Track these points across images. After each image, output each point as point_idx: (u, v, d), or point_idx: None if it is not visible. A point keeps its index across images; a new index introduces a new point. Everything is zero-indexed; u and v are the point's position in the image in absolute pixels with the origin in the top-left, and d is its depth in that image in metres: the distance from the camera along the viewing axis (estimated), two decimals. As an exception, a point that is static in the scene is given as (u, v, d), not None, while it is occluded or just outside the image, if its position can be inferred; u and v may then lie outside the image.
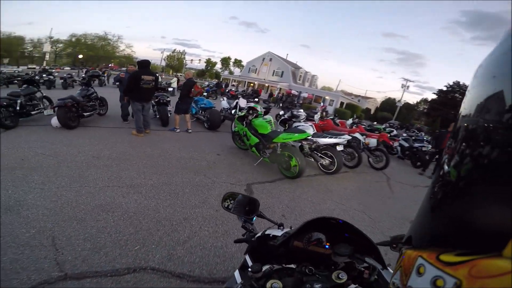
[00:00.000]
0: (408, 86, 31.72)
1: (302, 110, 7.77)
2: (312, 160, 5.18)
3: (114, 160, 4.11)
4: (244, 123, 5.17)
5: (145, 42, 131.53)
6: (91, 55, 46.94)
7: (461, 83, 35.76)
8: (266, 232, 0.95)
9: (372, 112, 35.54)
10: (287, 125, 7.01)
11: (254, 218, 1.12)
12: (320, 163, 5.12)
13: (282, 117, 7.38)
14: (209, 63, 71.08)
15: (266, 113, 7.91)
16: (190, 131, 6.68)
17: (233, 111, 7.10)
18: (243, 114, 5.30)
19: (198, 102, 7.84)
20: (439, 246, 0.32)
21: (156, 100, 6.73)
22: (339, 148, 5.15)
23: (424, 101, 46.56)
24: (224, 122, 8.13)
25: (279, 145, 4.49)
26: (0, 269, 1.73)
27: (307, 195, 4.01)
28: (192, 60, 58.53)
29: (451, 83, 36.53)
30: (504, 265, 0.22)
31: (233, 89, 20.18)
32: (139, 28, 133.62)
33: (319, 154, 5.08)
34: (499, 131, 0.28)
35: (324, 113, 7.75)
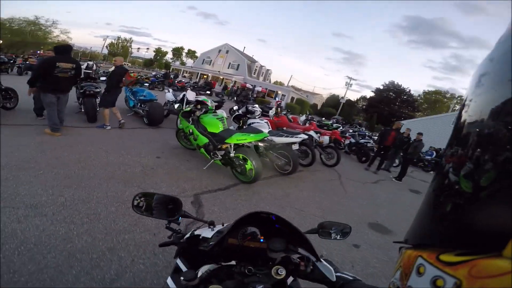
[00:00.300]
0: (351, 84, 34.51)
1: (257, 106, 7.33)
2: (268, 160, 4.80)
3: (11, 170, 2.98)
4: (190, 119, 4.44)
5: (86, 29, 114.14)
6: (16, 41, 38.35)
7: (395, 82, 40.79)
8: (196, 233, 0.91)
9: (318, 107, 37.85)
10: (241, 121, 6.48)
11: (180, 218, 1.00)
12: (276, 164, 4.78)
13: (236, 113, 6.79)
14: (159, 53, 65.70)
15: (218, 107, 7.31)
16: (122, 121, 5.63)
17: (176, 105, 6.39)
18: (189, 109, 4.55)
19: (136, 93, 6.71)
20: (439, 246, 0.32)
21: (81, 91, 5.40)
22: (295, 147, 4.88)
23: (363, 98, 51.83)
24: (168, 116, 7.17)
25: (232, 146, 3.95)
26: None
27: (265, 203, 3.60)
28: (139, 48, 53.50)
29: (387, 82, 41.44)
30: (504, 265, 0.22)
31: (183, 80, 18.63)
32: (82, 13, 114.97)
33: (275, 154, 4.73)
34: (500, 132, 0.27)
35: (279, 109, 7.47)
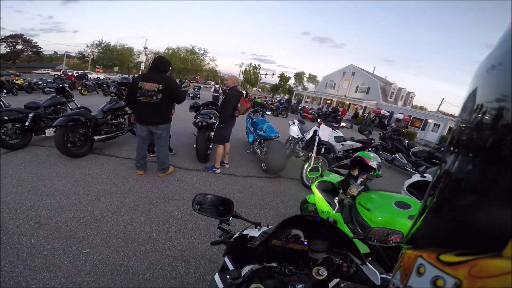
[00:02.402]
0: None
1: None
2: None
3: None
4: (337, 201, 2.12)
5: (227, 57, 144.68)
6: (181, 68, 52.54)
7: None
8: (244, 233, 0.93)
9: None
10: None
11: (230, 218, 1.05)
12: None
13: (417, 178, 3.64)
14: (283, 78, 70.52)
15: (363, 148, 4.72)
16: (227, 165, 4.35)
17: (299, 144, 4.35)
18: (339, 179, 2.28)
19: (257, 124, 5.23)
20: (439, 246, 0.32)
21: (196, 121, 4.41)
22: None
23: None
24: (290, 157, 5.27)
25: None
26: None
27: None
28: (266, 74, 58.65)
29: None
30: (504, 265, 0.22)
31: (306, 106, 17.13)
32: (223, 44, 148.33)
33: None
34: (500, 131, 0.27)
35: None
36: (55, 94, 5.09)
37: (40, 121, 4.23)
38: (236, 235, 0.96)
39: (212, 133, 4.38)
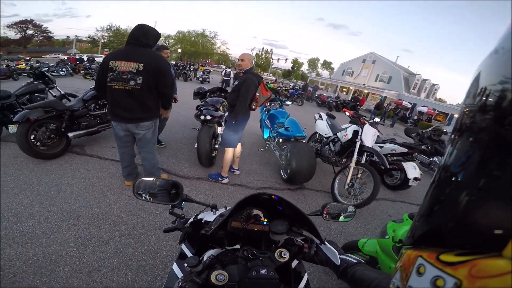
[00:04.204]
0: None
1: None
2: None
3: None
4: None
5: (238, 42, 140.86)
6: (192, 51, 51.15)
7: None
8: (199, 217, 0.90)
9: None
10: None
11: (183, 203, 0.97)
12: None
13: None
14: (296, 64, 67.69)
15: (407, 154, 3.72)
16: (237, 172, 3.42)
17: (330, 146, 3.48)
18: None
19: (275, 118, 4.20)
20: (439, 246, 0.32)
21: (198, 114, 3.34)
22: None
23: None
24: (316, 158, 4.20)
25: None
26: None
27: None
28: (278, 59, 56.18)
29: None
30: (504, 265, 0.22)
31: (324, 94, 15.73)
32: (233, 27, 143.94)
33: None
34: (501, 131, 0.27)
35: None
36: (31, 80, 4.27)
37: (10, 113, 3.42)
38: (191, 219, 0.93)
39: (220, 128, 3.37)
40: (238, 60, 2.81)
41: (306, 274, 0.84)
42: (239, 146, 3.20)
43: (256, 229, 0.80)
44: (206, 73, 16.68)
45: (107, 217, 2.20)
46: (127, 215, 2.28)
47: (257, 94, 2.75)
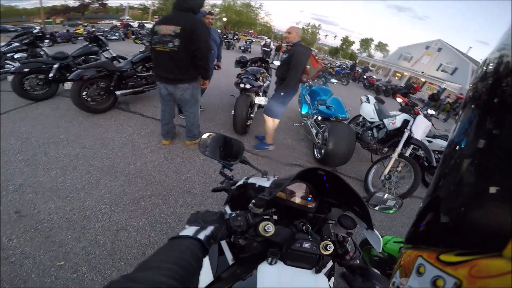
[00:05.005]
0: None
1: None
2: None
3: None
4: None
5: (283, 14, 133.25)
6: (236, 20, 50.31)
7: None
8: (250, 181, 0.86)
9: None
10: None
11: (233, 164, 0.99)
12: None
13: None
14: (346, 42, 62.18)
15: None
16: (270, 148, 3.28)
17: (374, 131, 3.19)
18: None
19: (317, 94, 3.93)
20: (439, 246, 0.32)
21: (238, 82, 3.27)
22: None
23: None
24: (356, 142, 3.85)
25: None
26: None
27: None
28: (326, 35, 51.99)
29: None
30: (504, 265, 0.22)
31: (374, 76, 14.26)
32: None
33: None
34: (502, 131, 0.27)
35: None
36: (87, 43, 4.57)
37: (67, 72, 3.73)
38: (240, 182, 0.92)
39: (257, 98, 3.27)
40: (286, 32, 2.73)
41: (333, 277, 0.79)
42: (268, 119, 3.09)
43: (299, 203, 0.78)
44: (248, 43, 16.55)
45: (142, 175, 2.31)
46: (160, 175, 2.37)
47: (308, 66, 2.64)
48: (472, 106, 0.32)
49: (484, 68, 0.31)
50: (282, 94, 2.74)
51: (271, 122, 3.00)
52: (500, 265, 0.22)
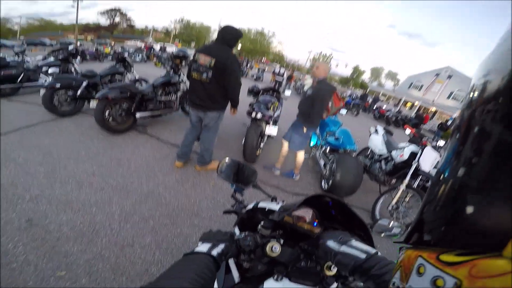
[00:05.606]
0: None
1: None
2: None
3: None
4: None
5: (295, 43, 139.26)
6: (250, 48, 52.87)
7: None
8: (260, 205, 0.93)
9: None
10: None
11: (245, 189, 1.07)
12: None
13: None
14: (356, 71, 63.60)
15: None
16: (278, 171, 3.43)
17: (382, 164, 3.30)
18: None
19: (326, 126, 4.02)
20: (439, 246, 0.32)
21: (251, 111, 3.41)
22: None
23: None
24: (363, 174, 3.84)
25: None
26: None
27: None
28: (337, 64, 53.46)
29: None
30: (504, 265, 0.22)
31: (384, 106, 14.41)
32: (291, 30, 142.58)
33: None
34: (503, 131, 0.26)
35: None
36: (114, 63, 4.96)
37: (94, 90, 4.03)
38: (250, 206, 0.96)
39: (267, 128, 3.41)
40: (314, 67, 2.90)
41: None
42: (286, 145, 3.24)
43: (305, 227, 0.80)
44: (260, 71, 17.16)
45: (153, 196, 2.41)
46: (170, 196, 2.46)
47: (329, 104, 2.81)
48: (457, 135, 0.33)
49: (470, 95, 0.32)
50: (309, 123, 2.90)
51: (301, 155, 3.23)
52: (500, 265, 0.23)
